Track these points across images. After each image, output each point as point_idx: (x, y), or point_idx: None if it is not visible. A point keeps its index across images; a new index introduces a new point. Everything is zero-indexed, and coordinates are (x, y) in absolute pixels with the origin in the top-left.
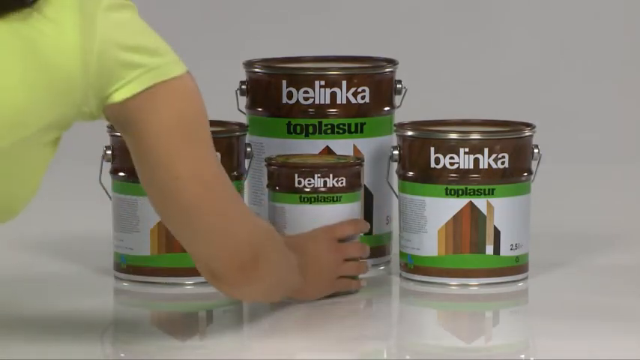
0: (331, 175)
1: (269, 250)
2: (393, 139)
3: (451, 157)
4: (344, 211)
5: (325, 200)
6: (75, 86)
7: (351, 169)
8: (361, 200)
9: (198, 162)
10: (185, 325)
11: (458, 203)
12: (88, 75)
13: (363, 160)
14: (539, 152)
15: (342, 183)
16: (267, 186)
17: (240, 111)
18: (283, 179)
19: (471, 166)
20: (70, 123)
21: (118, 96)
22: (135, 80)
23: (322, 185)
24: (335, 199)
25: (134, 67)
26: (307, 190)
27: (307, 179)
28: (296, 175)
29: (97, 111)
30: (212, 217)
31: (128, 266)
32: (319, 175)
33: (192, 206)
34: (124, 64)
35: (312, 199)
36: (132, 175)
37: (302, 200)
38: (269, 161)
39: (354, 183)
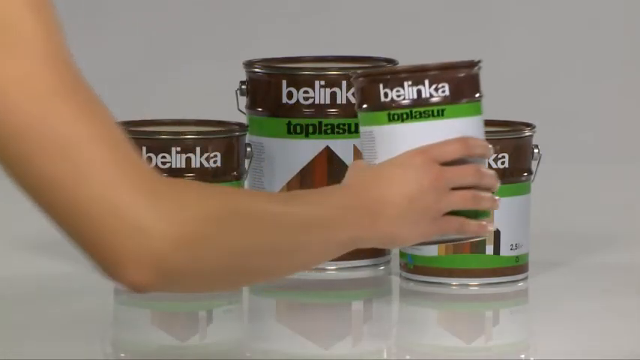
0: (427, 82)
1: (207, 231)
2: None
3: None
4: (451, 130)
5: (421, 116)
6: None
7: (457, 71)
8: (480, 116)
9: None
10: (185, 325)
11: None
12: None
13: (480, 62)
14: (539, 152)
15: (443, 91)
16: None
17: (240, 111)
18: (367, 94)
19: None
20: None
21: None
22: None
23: (416, 96)
24: (435, 113)
25: None
26: (397, 104)
27: (395, 90)
28: (381, 86)
29: None
30: (46, 158)
31: None
32: (410, 82)
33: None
34: None
35: (404, 116)
36: None
37: (391, 119)
38: (353, 74)
39: (463, 91)
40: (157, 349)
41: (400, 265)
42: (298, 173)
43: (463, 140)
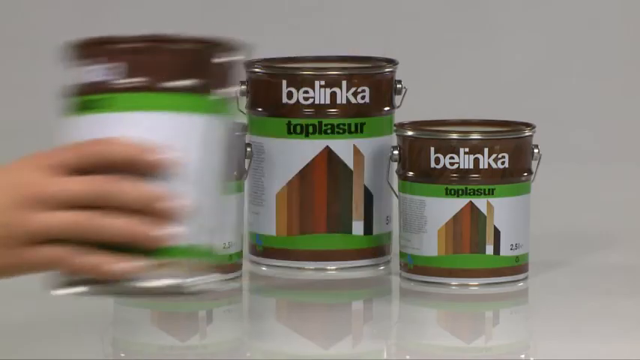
0: (98, 61)
1: None
2: (393, 139)
3: (451, 157)
4: (124, 128)
5: (88, 107)
6: None
7: (135, 46)
8: (193, 114)
9: None
10: (185, 325)
11: (458, 203)
12: None
13: (207, 42)
14: (539, 152)
15: (120, 73)
16: None
17: (240, 111)
18: None
19: (471, 166)
20: None
21: None
22: None
23: (87, 79)
24: (104, 103)
25: None
26: (76, 89)
27: (76, 69)
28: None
29: None
30: None
31: None
32: (77, 60)
33: None
34: None
35: (77, 107)
36: None
37: (77, 109)
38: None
39: (141, 74)
40: (157, 349)
41: (400, 265)
42: (298, 173)
43: (91, 142)
